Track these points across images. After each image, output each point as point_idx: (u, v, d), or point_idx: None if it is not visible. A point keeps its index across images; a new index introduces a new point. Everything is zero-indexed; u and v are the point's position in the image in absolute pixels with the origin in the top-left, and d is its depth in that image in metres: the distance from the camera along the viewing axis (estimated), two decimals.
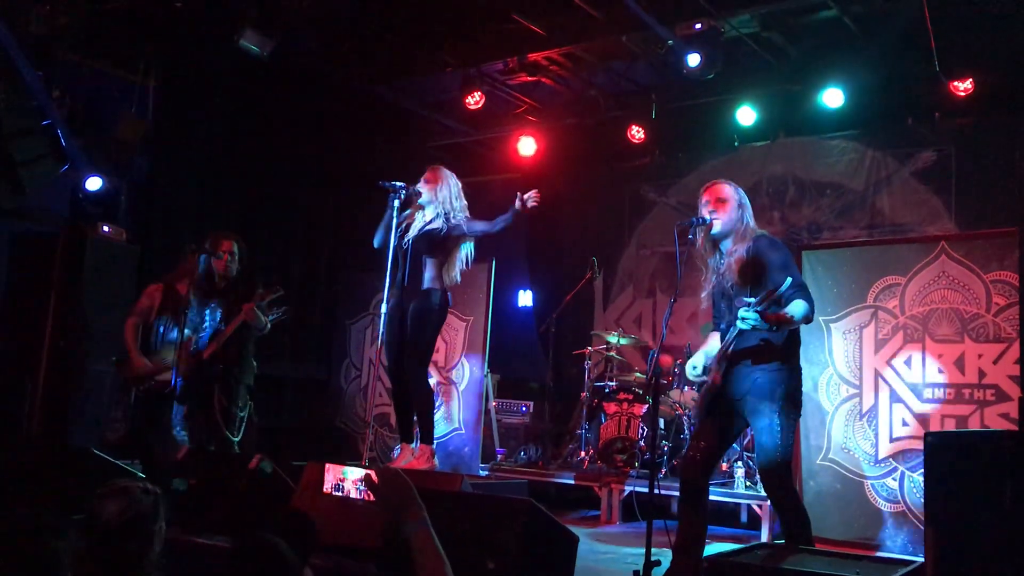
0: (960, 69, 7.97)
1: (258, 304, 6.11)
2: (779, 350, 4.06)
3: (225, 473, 4.58)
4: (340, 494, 3.66)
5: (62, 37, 7.67)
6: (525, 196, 5.35)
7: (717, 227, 4.21)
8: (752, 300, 3.89)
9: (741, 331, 3.97)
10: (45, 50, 7.06)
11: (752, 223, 4.27)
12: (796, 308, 3.97)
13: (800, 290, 4.01)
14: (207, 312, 6.10)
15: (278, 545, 2.01)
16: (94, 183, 6.96)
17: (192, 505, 4.39)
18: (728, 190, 4.26)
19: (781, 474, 4.01)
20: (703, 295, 4.33)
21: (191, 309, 5.94)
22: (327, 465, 3.76)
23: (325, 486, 3.78)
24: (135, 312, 6.36)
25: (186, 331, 5.91)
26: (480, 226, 5.57)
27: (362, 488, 3.55)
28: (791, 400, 4.06)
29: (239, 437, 5.97)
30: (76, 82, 8.02)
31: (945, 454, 2.88)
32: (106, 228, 6.95)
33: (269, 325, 6.22)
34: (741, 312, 3.88)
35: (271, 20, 8.17)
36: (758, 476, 4.33)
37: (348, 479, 3.64)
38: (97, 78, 8.34)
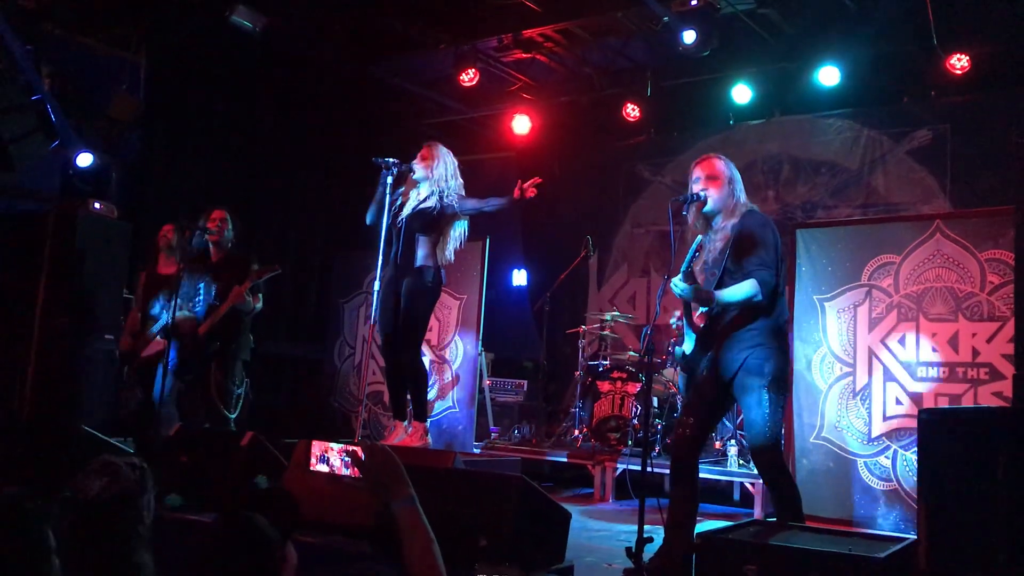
0: (957, 43, 7.92)
1: (254, 283, 6.10)
2: (766, 328, 4.06)
3: (218, 450, 4.57)
4: (326, 469, 3.65)
5: (52, 12, 7.60)
6: (525, 184, 5.28)
7: (709, 204, 4.19)
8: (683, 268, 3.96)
9: (722, 308, 4.01)
10: (34, 25, 6.98)
11: (743, 198, 4.26)
12: (740, 288, 3.98)
13: (760, 268, 3.99)
14: (201, 285, 6.08)
15: (257, 521, 2.00)
16: (85, 159, 6.90)
17: (185, 482, 4.38)
18: (719, 165, 4.24)
19: (771, 452, 4.02)
20: (696, 271, 4.31)
21: (184, 283, 5.93)
22: (313, 441, 3.74)
23: (311, 461, 3.76)
24: (135, 298, 6.68)
25: (178, 301, 5.89)
26: (472, 204, 5.53)
27: (347, 462, 3.54)
28: (780, 378, 4.07)
29: (235, 414, 5.97)
30: (67, 59, 7.95)
31: (938, 431, 2.87)
32: (97, 205, 6.90)
33: (258, 307, 6.21)
34: (673, 280, 3.93)
35: None
36: (749, 455, 4.33)
37: (334, 453, 3.63)
38: (88, 55, 8.27)
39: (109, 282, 6.94)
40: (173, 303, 5.76)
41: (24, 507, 1.83)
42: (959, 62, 8.06)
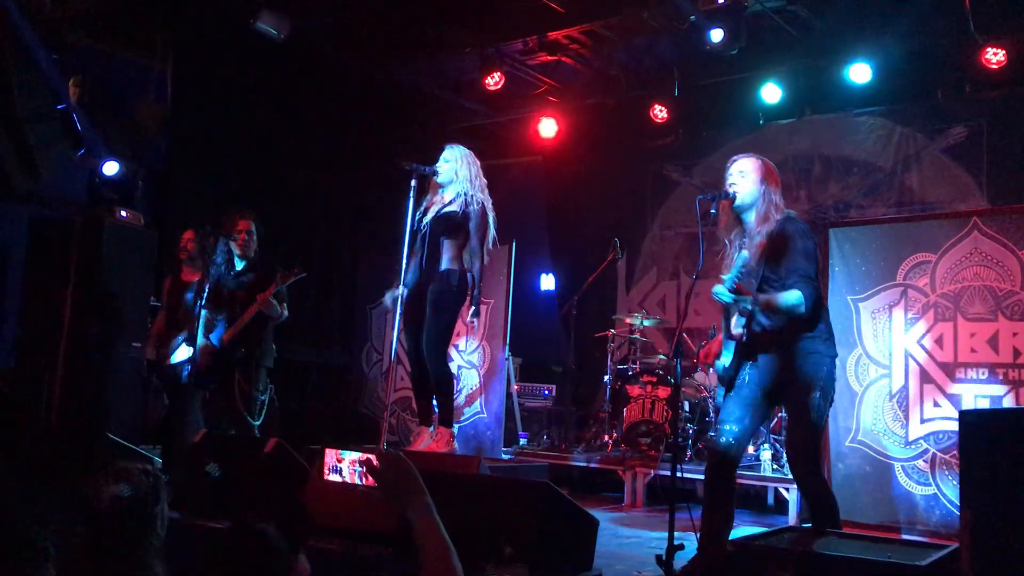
0: (996, 33, 7.68)
1: (278, 288, 6.07)
2: (817, 336, 3.97)
3: (240, 457, 4.52)
4: (339, 479, 3.57)
5: (77, 21, 7.64)
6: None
7: (737, 200, 4.08)
8: (728, 276, 3.81)
9: (756, 316, 3.88)
10: (59, 33, 7.00)
11: (779, 200, 4.12)
12: (787, 295, 3.84)
13: (803, 280, 3.87)
14: (225, 293, 6.07)
15: (265, 531, 1.93)
16: (111, 167, 6.90)
17: (207, 489, 4.34)
18: (751, 163, 4.13)
19: (811, 458, 3.91)
20: (723, 274, 4.19)
21: (203, 294, 5.92)
22: (326, 449, 3.67)
23: (324, 472, 3.69)
24: (160, 306, 6.80)
25: (203, 315, 5.88)
26: (475, 242, 5.41)
27: (360, 471, 3.45)
28: (830, 386, 3.99)
29: (260, 421, 5.93)
30: (93, 67, 7.98)
31: (982, 433, 2.74)
32: (124, 213, 6.89)
33: (286, 314, 6.17)
34: (714, 288, 3.81)
35: (287, 1, 8.11)
36: (785, 459, 4.20)
37: (346, 461, 3.54)
38: (114, 63, 8.31)
39: (135, 290, 6.92)
40: (195, 317, 5.76)
41: (17, 513, 1.77)
42: (995, 56, 7.86)
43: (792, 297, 3.82)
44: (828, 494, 3.90)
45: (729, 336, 3.98)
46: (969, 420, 2.92)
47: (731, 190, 4.09)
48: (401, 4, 8.49)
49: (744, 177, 4.09)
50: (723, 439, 4.00)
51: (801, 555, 2.87)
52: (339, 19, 8.69)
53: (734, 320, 4.00)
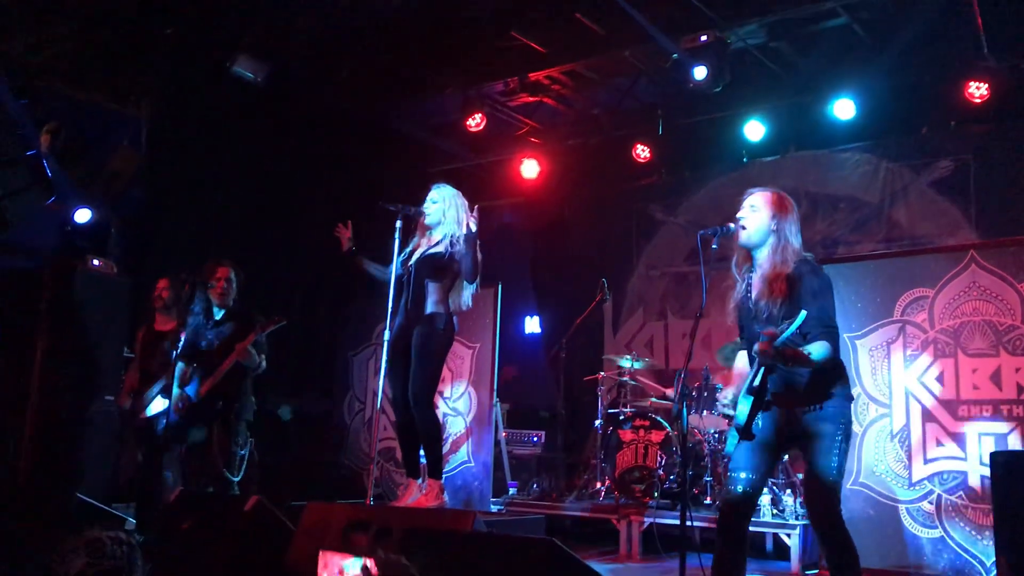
0: (1007, 53, 7.60)
1: (257, 337, 5.85)
2: (838, 380, 3.79)
3: (219, 516, 4.26)
4: None
5: (49, 67, 7.47)
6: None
7: (743, 236, 3.90)
8: (774, 330, 3.59)
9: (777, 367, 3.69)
10: (30, 79, 6.82)
11: (795, 238, 3.92)
12: (818, 348, 3.64)
13: (828, 332, 3.69)
14: (203, 344, 5.85)
15: None
16: (83, 215, 6.68)
17: (181, 551, 4.08)
18: (765, 197, 3.93)
19: (834, 506, 3.71)
20: (729, 308, 4.01)
21: (179, 345, 5.70)
22: (322, 552, 3.42)
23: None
24: (133, 357, 6.50)
25: (179, 367, 5.66)
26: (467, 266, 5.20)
27: None
28: (849, 428, 3.81)
29: (239, 477, 5.67)
30: (66, 114, 7.81)
31: (1017, 474, 2.56)
32: (96, 261, 6.68)
33: (264, 364, 5.94)
34: (756, 346, 3.58)
35: (264, 45, 7.98)
36: (803, 503, 3.96)
37: (348, 573, 3.27)
38: (88, 110, 8.13)
39: (108, 340, 6.71)
40: (171, 370, 5.53)
41: None
42: (978, 90, 7.84)
43: (822, 350, 3.62)
44: (850, 544, 3.69)
45: (750, 390, 3.75)
46: (1000, 462, 2.74)
47: (731, 227, 3.92)
48: (382, 46, 8.38)
49: (755, 212, 3.89)
50: (738, 487, 3.79)
51: None
52: (319, 62, 8.57)
53: (754, 370, 3.78)
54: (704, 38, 7.61)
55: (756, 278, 3.89)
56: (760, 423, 3.75)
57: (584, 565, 3.07)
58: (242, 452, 5.72)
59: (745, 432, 3.72)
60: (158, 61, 8.22)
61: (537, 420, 9.23)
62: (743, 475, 3.79)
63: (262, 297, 8.15)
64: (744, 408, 3.73)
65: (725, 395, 4.03)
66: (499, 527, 4.38)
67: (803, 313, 3.52)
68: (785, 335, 3.51)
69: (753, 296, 3.90)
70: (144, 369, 6.50)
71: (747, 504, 3.81)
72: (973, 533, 5.49)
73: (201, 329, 5.95)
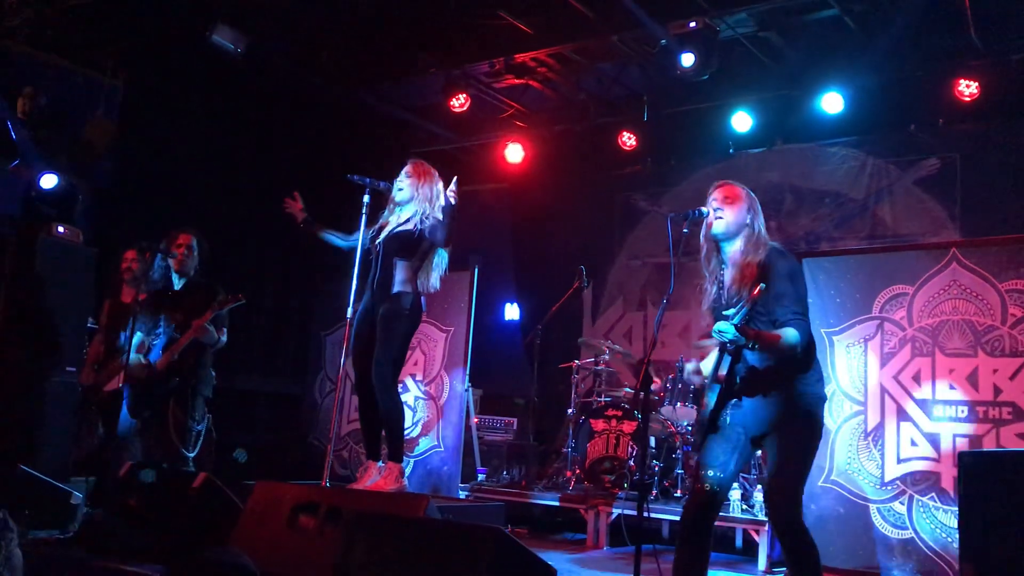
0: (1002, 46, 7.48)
1: (217, 313, 5.68)
2: (810, 376, 3.69)
3: (167, 492, 4.13)
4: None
5: (21, 31, 7.29)
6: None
7: (720, 227, 3.76)
8: (732, 312, 3.48)
9: (744, 355, 3.57)
10: None
11: (764, 233, 3.82)
12: (788, 334, 3.54)
13: (797, 318, 3.58)
14: (162, 317, 5.68)
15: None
16: (49, 180, 6.51)
17: (127, 529, 3.94)
18: (739, 190, 3.82)
19: (796, 505, 3.60)
20: (704, 308, 3.87)
21: (141, 315, 5.53)
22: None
23: None
24: (99, 328, 6.31)
25: (137, 337, 5.50)
26: (440, 235, 5.05)
27: None
28: (820, 427, 3.71)
29: (194, 452, 5.52)
30: (41, 79, 7.63)
31: (984, 476, 2.45)
32: (61, 229, 6.50)
33: (223, 339, 5.78)
34: (717, 325, 3.46)
35: (245, 17, 7.80)
36: (763, 500, 3.85)
37: None
38: (64, 76, 7.95)
39: (72, 311, 6.52)
40: (129, 337, 5.36)
41: None
42: (967, 88, 7.73)
43: (792, 336, 3.51)
44: (811, 543, 3.58)
45: (715, 379, 3.64)
46: (968, 463, 2.63)
47: (705, 210, 3.79)
48: (364, 23, 8.22)
49: (731, 204, 3.77)
50: (706, 485, 3.66)
51: None
52: (299, 37, 8.40)
53: (719, 359, 3.67)
54: (693, 24, 7.49)
55: (728, 271, 3.77)
56: (729, 418, 3.64)
57: (532, 555, 2.95)
58: (199, 427, 5.56)
59: (711, 425, 3.61)
60: (137, 29, 8.03)
61: (510, 407, 9.11)
62: (711, 472, 3.66)
63: (233, 273, 8.01)
64: (710, 399, 3.61)
65: (689, 365, 3.89)
66: (457, 513, 4.26)
67: (763, 285, 3.41)
68: (741, 313, 3.39)
69: (726, 287, 3.78)
70: (109, 341, 6.35)
71: (713, 502, 3.68)
72: (944, 535, 5.40)
73: (160, 298, 5.78)
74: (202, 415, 5.61)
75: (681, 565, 3.64)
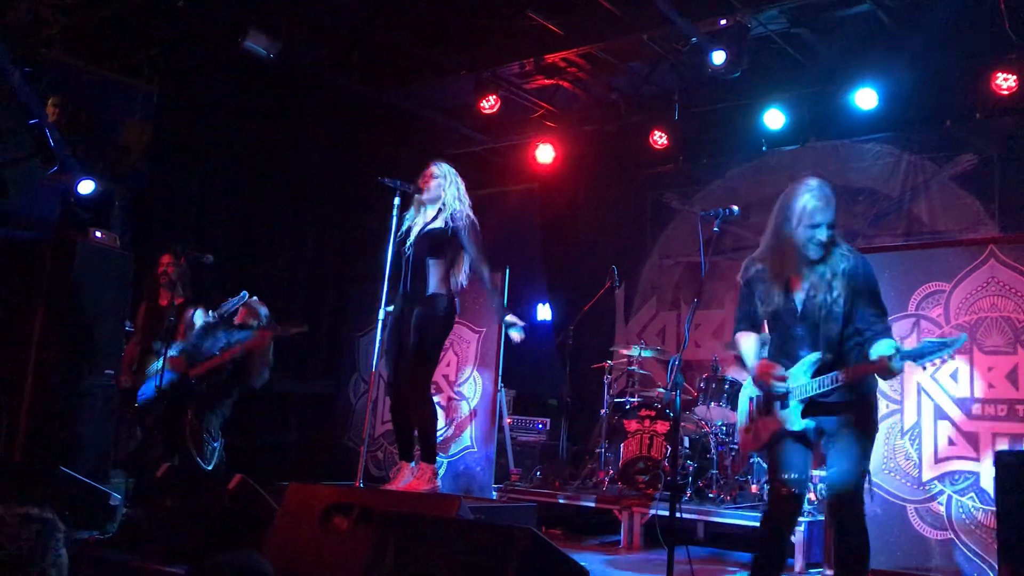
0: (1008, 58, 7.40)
1: (275, 334, 5.79)
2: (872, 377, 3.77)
3: (203, 493, 4.18)
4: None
5: (56, 38, 7.41)
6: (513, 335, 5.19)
7: (824, 235, 3.74)
8: (897, 348, 3.54)
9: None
10: (35, 48, 6.74)
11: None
12: (887, 349, 3.56)
13: (889, 329, 3.72)
14: (207, 345, 5.83)
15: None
16: (86, 186, 6.62)
17: (165, 530, 3.99)
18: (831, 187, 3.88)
19: (859, 502, 3.66)
20: (766, 310, 3.85)
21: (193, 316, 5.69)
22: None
23: None
24: (135, 331, 6.57)
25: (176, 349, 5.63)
26: (474, 251, 5.11)
27: None
28: (877, 425, 3.83)
29: (210, 466, 5.62)
30: (77, 86, 7.77)
31: (1021, 475, 2.41)
32: (99, 234, 6.59)
33: (267, 376, 5.90)
34: (896, 364, 3.48)
35: (277, 22, 7.87)
36: (827, 498, 3.88)
37: None
38: (100, 82, 8.08)
39: (109, 315, 6.62)
40: (166, 343, 5.47)
41: None
42: (1005, 82, 7.61)
43: (889, 348, 3.54)
44: (868, 542, 3.61)
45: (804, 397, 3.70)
46: (1006, 462, 2.59)
47: (736, 209, 3.78)
48: (395, 26, 8.26)
49: (829, 205, 3.74)
50: (792, 488, 3.71)
51: None
52: (331, 41, 8.46)
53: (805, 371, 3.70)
54: (724, 22, 7.45)
55: (814, 277, 3.75)
56: (804, 421, 3.69)
57: (563, 555, 2.95)
58: (214, 444, 5.67)
59: (799, 434, 3.66)
60: (170, 35, 8.14)
61: (543, 408, 9.11)
62: (793, 475, 3.70)
63: (266, 274, 8.09)
64: (795, 411, 3.64)
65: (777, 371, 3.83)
66: (489, 514, 4.27)
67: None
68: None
69: (804, 294, 3.77)
70: (145, 344, 6.45)
71: (798, 505, 3.74)
72: (984, 537, 5.32)
73: (215, 329, 5.92)
74: (216, 434, 5.70)
75: (761, 569, 3.68)
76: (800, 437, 3.75)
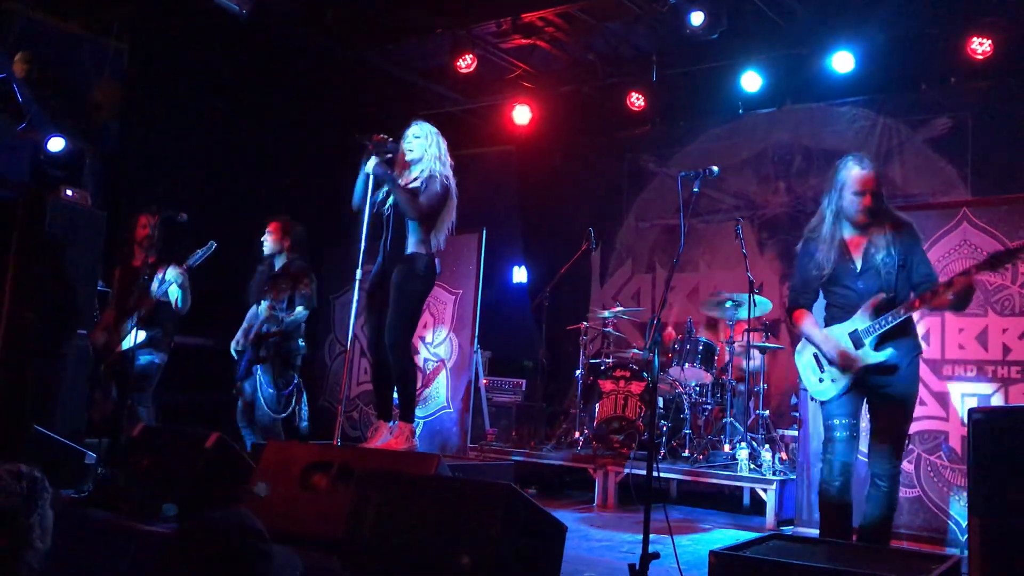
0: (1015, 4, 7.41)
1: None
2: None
3: (180, 452, 4.17)
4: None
5: None
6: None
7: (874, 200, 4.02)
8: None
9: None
10: None
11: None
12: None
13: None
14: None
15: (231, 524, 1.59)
16: (56, 144, 6.48)
17: (141, 488, 3.99)
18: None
19: (899, 468, 3.99)
20: (819, 273, 4.06)
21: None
22: None
23: None
24: (110, 292, 6.62)
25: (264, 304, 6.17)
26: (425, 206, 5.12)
27: None
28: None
29: (285, 414, 6.25)
30: (48, 43, 7.60)
31: (995, 433, 2.46)
32: (69, 192, 6.47)
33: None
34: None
35: None
36: (872, 451, 4.06)
37: None
38: (70, 39, 7.92)
39: (82, 274, 6.51)
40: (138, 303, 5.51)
41: None
42: (980, 47, 7.64)
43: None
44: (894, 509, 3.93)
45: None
46: (979, 419, 2.64)
47: (715, 169, 3.81)
48: None
49: (873, 173, 4.07)
50: (851, 433, 4.00)
51: (791, 569, 2.57)
52: None
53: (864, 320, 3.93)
54: None
55: (865, 239, 4.04)
56: (850, 385, 4.00)
57: (541, 510, 2.98)
58: (284, 392, 6.17)
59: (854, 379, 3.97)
60: None
61: (519, 369, 9.15)
62: (851, 421, 4.01)
63: (239, 233, 8.01)
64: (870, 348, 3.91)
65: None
66: (467, 472, 4.30)
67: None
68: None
69: (861, 254, 4.03)
70: (120, 304, 6.39)
71: (854, 449, 4.06)
72: (951, 494, 5.43)
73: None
74: (287, 381, 6.27)
75: (837, 521, 3.99)
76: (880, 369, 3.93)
